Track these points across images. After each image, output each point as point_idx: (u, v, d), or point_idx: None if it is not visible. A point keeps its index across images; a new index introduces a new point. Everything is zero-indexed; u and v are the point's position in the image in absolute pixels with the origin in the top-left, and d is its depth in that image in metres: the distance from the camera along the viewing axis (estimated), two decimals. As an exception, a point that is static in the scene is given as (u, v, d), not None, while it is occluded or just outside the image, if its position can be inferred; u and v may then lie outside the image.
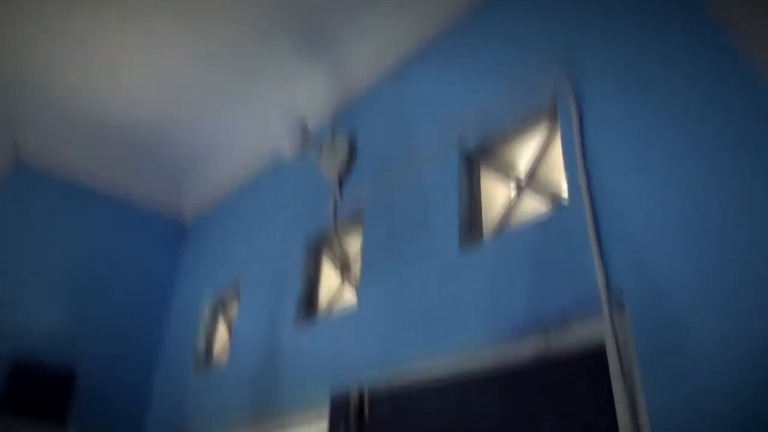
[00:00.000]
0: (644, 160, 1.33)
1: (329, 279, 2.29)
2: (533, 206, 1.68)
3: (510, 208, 1.68)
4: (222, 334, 2.77)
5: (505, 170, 1.76)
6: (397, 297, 1.77)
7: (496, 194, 1.79)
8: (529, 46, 1.74)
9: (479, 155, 1.81)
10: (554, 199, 1.58)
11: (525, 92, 1.67)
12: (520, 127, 1.71)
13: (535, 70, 1.67)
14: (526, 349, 1.40)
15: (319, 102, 2.53)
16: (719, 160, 1.20)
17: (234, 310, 2.74)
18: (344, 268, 2.22)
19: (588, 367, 1.29)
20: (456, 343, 1.53)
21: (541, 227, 1.48)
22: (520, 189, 1.68)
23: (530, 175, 1.67)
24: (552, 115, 1.64)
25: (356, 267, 2.17)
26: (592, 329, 1.28)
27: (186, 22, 2.31)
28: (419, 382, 1.58)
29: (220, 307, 2.82)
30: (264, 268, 2.48)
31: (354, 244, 2.24)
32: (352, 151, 2.27)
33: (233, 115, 2.77)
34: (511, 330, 1.42)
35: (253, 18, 2.31)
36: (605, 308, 1.24)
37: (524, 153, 1.77)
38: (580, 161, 1.42)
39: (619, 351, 1.21)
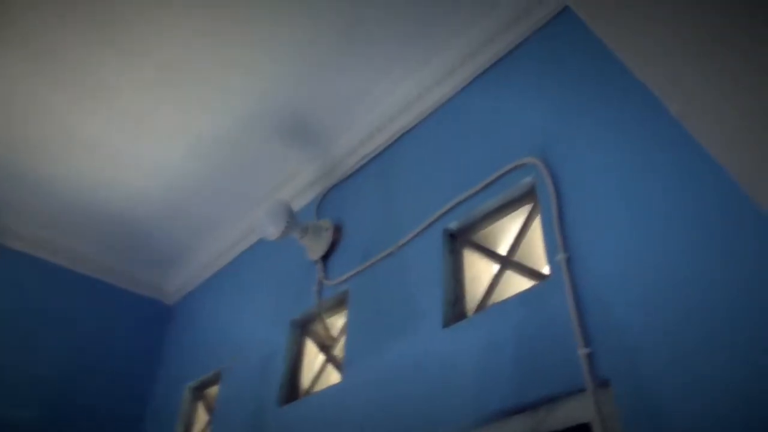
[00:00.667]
0: (621, 237, 1.37)
1: (313, 360, 2.26)
2: (516, 284, 1.70)
3: (493, 286, 1.69)
4: (202, 421, 2.69)
5: (487, 249, 1.79)
6: (382, 376, 1.75)
7: (479, 272, 1.82)
8: (509, 131, 1.82)
9: (462, 235, 1.85)
10: (536, 276, 1.61)
11: (506, 176, 1.73)
12: (501, 208, 1.76)
13: (515, 153, 1.74)
14: (513, 430, 1.39)
15: (306, 183, 2.58)
16: (695, 233, 1.24)
17: (214, 394, 2.68)
18: (328, 348, 2.20)
19: (575, 447, 1.28)
20: (443, 423, 1.51)
21: (523, 304, 1.49)
22: (502, 267, 1.70)
23: (512, 253, 1.70)
24: (532, 196, 1.69)
25: (340, 347, 2.15)
26: (579, 407, 1.28)
27: (177, 113, 2.39)
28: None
29: (200, 394, 2.75)
30: (247, 350, 2.45)
31: (339, 324, 2.23)
32: (336, 232, 2.31)
33: (219, 201, 2.81)
34: (497, 410, 1.41)
35: (238, 110, 2.39)
36: (589, 386, 1.24)
37: (506, 233, 1.81)
38: (559, 239, 1.46)
39: (604, 430, 1.20)
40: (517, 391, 1.39)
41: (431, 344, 1.66)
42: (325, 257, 2.30)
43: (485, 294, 1.70)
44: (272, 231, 2.20)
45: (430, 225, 1.90)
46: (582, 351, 1.28)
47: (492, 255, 1.77)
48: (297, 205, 2.59)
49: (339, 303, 2.19)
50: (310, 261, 2.35)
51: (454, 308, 1.71)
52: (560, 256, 1.44)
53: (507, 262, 1.70)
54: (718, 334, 1.12)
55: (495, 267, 1.75)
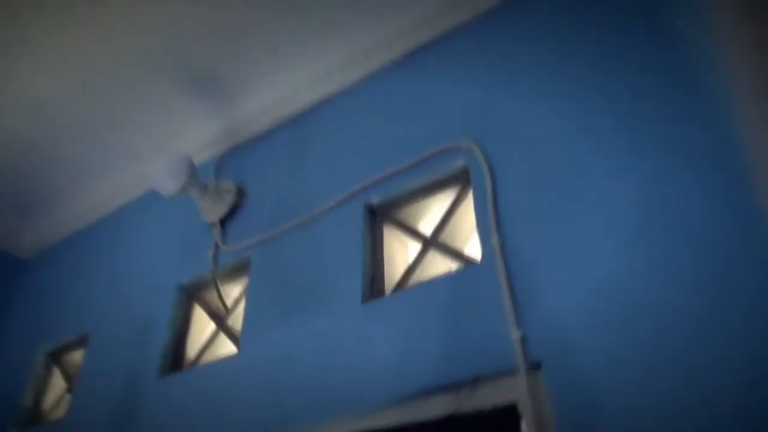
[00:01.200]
0: (554, 220, 1.40)
1: (202, 330, 2.11)
2: (438, 265, 1.69)
3: (415, 265, 1.67)
4: (57, 387, 2.41)
5: (410, 228, 1.77)
6: (287, 350, 1.67)
7: (399, 251, 1.79)
8: (439, 113, 1.80)
9: (383, 211, 1.81)
10: (461, 258, 1.61)
11: (437, 156, 1.71)
12: (428, 188, 1.74)
13: (446, 135, 1.72)
14: (434, 409, 1.37)
15: (204, 141, 2.40)
16: (632, 218, 1.30)
17: (76, 361, 2.41)
18: (221, 318, 2.06)
19: (499, 428, 1.29)
20: (356, 402, 1.46)
21: (450, 284, 1.48)
22: (425, 248, 1.69)
23: (436, 234, 1.69)
24: (462, 179, 1.68)
25: (237, 317, 2.02)
26: (505, 389, 1.29)
27: (66, 42, 2.09)
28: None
29: (57, 359, 2.46)
30: (122, 315, 2.22)
31: (235, 293, 2.09)
32: (239, 196, 2.16)
33: (100, 148, 2.52)
34: (418, 388, 1.38)
35: (139, 51, 2.15)
36: (522, 367, 1.26)
37: (429, 214, 1.80)
38: (494, 223, 1.47)
39: (534, 411, 1.22)
40: (440, 371, 1.38)
41: (347, 320, 1.60)
42: (224, 221, 2.14)
43: (406, 273, 1.67)
44: (169, 185, 2.01)
45: (348, 198, 1.83)
46: (515, 334, 1.30)
47: (415, 234, 1.74)
48: (196, 162, 2.39)
49: (237, 270, 2.05)
50: (204, 223, 2.18)
51: (372, 285, 1.66)
52: (494, 239, 1.44)
53: (431, 243, 1.68)
54: (651, 316, 1.17)
55: (416, 246, 1.73)
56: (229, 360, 1.81)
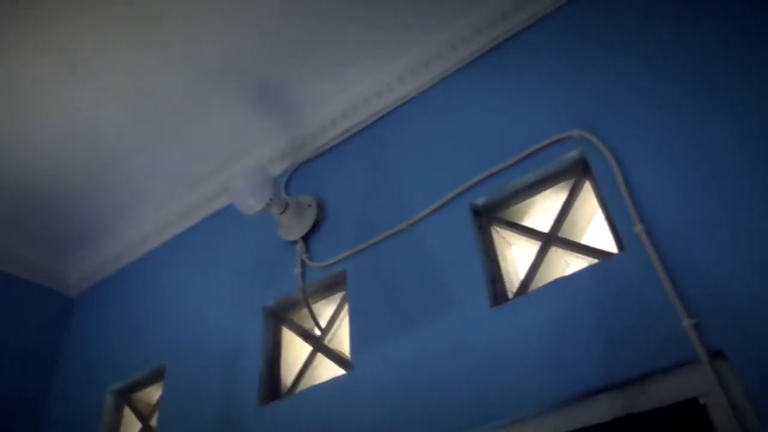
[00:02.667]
0: (694, 201, 1.34)
1: (295, 353, 2.01)
2: (561, 261, 1.62)
3: (538, 263, 1.59)
4: (131, 427, 2.28)
5: (525, 227, 1.69)
6: (409, 363, 1.57)
7: (507, 251, 1.71)
8: (538, 106, 1.73)
9: (489, 212, 1.73)
10: (590, 251, 1.53)
11: (543, 149, 1.64)
12: (537, 183, 1.67)
13: (551, 127, 1.66)
14: (599, 412, 1.29)
15: (270, 157, 2.31)
16: None
17: (152, 398, 2.29)
18: (316, 339, 1.95)
19: (679, 425, 1.21)
20: (501, 411, 1.37)
21: (594, 277, 1.40)
22: (547, 244, 1.61)
23: (556, 229, 1.61)
24: (579, 169, 1.61)
25: (334, 336, 1.92)
26: (681, 382, 1.21)
27: (123, 62, 2.01)
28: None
29: (127, 397, 2.34)
30: (202, 344, 2.11)
31: (327, 312, 2.00)
32: (320, 210, 2.08)
33: (154, 174, 2.43)
34: (577, 391, 1.30)
35: (199, 67, 2.07)
36: (703, 357, 1.18)
37: (536, 211, 1.73)
38: (633, 210, 1.39)
39: (726, 404, 1.14)
40: (599, 369, 1.29)
41: (477, 325, 1.51)
42: (306, 236, 2.05)
43: (530, 271, 1.59)
44: (252, 204, 1.91)
45: (449, 201, 1.75)
46: (686, 322, 1.22)
47: (529, 232, 1.66)
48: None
49: (328, 287, 1.96)
50: (282, 240, 2.09)
51: (495, 287, 1.58)
52: (638, 228, 1.37)
53: (551, 239, 1.61)
54: None
55: (533, 244, 1.65)
56: (339, 381, 1.71)
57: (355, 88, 2.17)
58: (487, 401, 1.40)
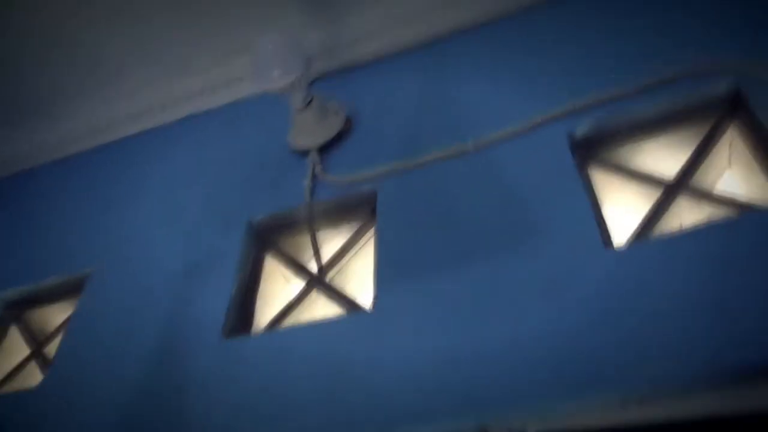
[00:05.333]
0: None
1: (275, 288, 1.50)
2: (688, 212, 1.23)
3: (660, 212, 1.19)
4: (14, 352, 1.67)
5: (632, 171, 1.29)
6: (473, 303, 1.11)
7: (609, 196, 1.30)
8: (674, 21, 1.38)
9: (589, 148, 1.33)
10: (727, 204, 1.15)
11: (677, 75, 1.28)
12: (662, 118, 1.29)
13: (674, 52, 1.30)
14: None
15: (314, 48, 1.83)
16: None
17: (52, 321, 1.70)
18: (308, 272, 1.46)
19: None
20: (632, 381, 0.92)
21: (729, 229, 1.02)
22: (671, 193, 1.21)
23: (685, 177, 1.22)
24: (724, 106, 1.24)
25: (342, 273, 1.44)
26: None
27: None
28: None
29: (17, 311, 1.72)
30: (146, 257, 1.57)
31: (330, 244, 1.51)
32: (347, 122, 1.62)
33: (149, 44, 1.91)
34: (742, 363, 0.88)
35: None
36: None
37: (649, 154, 1.34)
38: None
39: None
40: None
41: (587, 267, 1.08)
42: (323, 149, 1.58)
43: (648, 220, 1.18)
44: (275, 75, 1.44)
45: (536, 126, 1.34)
46: None
47: (645, 179, 1.27)
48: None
49: (341, 212, 1.48)
50: (289, 149, 1.61)
51: (601, 231, 1.16)
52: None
53: (679, 187, 1.21)
54: None
55: (634, 190, 1.26)
56: (347, 321, 1.23)
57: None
58: (603, 364, 0.95)
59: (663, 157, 1.31)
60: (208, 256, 1.48)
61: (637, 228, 1.18)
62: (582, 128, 1.31)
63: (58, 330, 1.65)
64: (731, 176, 1.30)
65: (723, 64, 1.23)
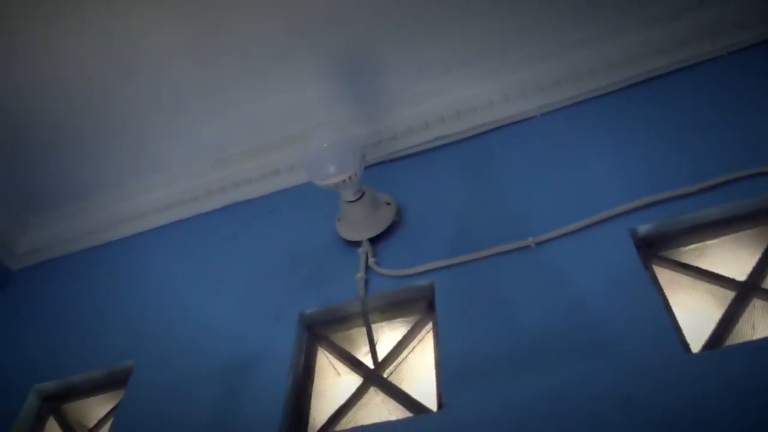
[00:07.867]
0: None
1: (327, 382, 1.45)
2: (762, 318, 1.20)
3: (731, 316, 1.16)
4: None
5: (709, 272, 1.27)
6: (545, 408, 1.07)
7: (684, 299, 1.28)
8: (724, 130, 1.41)
9: (652, 245, 1.32)
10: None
11: (738, 177, 1.29)
12: (725, 219, 1.29)
13: (745, 156, 1.32)
14: None
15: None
16: None
17: (91, 414, 1.64)
18: (365, 367, 1.42)
19: None
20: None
21: None
22: (742, 295, 1.19)
23: (756, 278, 1.21)
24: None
25: (395, 369, 1.40)
26: None
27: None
28: None
29: (53, 403, 1.66)
30: (198, 348, 1.53)
31: (387, 338, 1.48)
32: (399, 212, 1.62)
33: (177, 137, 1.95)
34: None
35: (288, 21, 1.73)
36: None
37: (712, 257, 1.33)
38: None
39: None
40: None
41: (666, 372, 1.04)
42: (373, 240, 1.58)
43: (721, 325, 1.16)
44: (331, 172, 1.46)
45: (598, 223, 1.34)
46: None
47: (718, 279, 1.25)
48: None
49: (397, 305, 1.46)
50: (339, 240, 1.61)
51: (679, 334, 1.13)
52: None
53: (752, 288, 1.20)
54: None
55: (718, 293, 1.24)
56: (417, 422, 1.18)
57: (460, 92, 1.82)
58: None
59: (728, 258, 1.30)
60: (257, 349, 1.45)
61: (714, 331, 1.15)
62: (645, 226, 1.31)
63: (98, 425, 1.59)
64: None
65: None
